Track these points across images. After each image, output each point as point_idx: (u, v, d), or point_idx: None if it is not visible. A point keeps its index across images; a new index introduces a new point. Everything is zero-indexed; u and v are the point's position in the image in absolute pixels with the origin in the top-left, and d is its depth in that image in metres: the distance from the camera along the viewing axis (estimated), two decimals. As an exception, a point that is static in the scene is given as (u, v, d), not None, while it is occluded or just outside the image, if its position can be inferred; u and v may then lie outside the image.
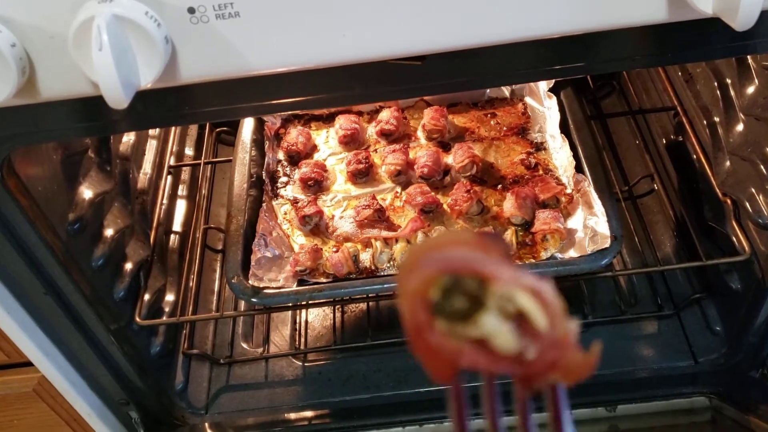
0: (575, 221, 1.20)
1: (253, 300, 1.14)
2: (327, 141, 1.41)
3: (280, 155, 1.39)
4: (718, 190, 1.17)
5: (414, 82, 0.72)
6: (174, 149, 1.47)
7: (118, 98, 0.56)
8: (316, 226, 1.25)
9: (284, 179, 1.35)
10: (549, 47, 0.69)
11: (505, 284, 0.37)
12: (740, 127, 1.11)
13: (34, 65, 0.60)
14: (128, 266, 1.17)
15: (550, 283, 0.38)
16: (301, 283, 1.16)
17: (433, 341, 0.39)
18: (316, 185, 1.31)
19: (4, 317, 0.94)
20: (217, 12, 0.58)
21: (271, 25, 0.59)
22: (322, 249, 1.19)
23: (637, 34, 0.68)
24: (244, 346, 1.33)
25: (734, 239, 1.13)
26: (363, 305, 1.34)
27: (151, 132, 1.40)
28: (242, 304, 1.36)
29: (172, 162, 1.44)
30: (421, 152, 1.32)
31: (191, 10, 0.58)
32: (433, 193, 1.26)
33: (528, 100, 1.43)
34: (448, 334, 0.38)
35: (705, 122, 1.22)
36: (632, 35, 0.69)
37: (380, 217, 1.23)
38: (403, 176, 1.31)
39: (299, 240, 1.24)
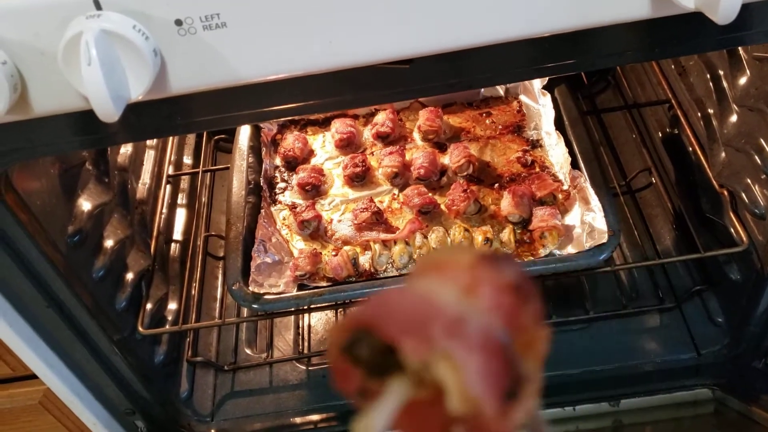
0: (573, 217, 1.20)
1: (254, 306, 1.15)
2: (324, 145, 1.42)
3: (278, 161, 1.39)
4: (714, 182, 1.17)
5: (403, 86, 0.72)
6: (172, 158, 1.48)
7: (108, 112, 0.57)
8: (314, 231, 1.26)
9: (282, 185, 1.36)
10: (537, 46, 0.69)
11: (410, 356, 0.34)
12: (734, 118, 1.12)
13: (25, 82, 0.61)
14: (129, 276, 1.17)
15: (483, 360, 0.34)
16: (301, 287, 1.17)
17: (351, 383, 0.38)
18: (314, 190, 1.32)
19: (7, 331, 0.94)
20: (204, 23, 0.59)
21: (257, 34, 0.60)
22: (321, 253, 1.20)
23: (624, 30, 0.68)
24: (248, 351, 1.33)
25: (732, 230, 1.13)
26: (364, 308, 1.35)
27: (149, 142, 1.41)
28: (245, 310, 1.36)
29: (170, 171, 1.45)
30: (418, 153, 1.33)
31: (179, 22, 0.58)
32: (430, 194, 1.26)
33: (523, 98, 1.43)
34: (367, 381, 0.37)
35: (699, 114, 1.23)
36: (620, 32, 0.69)
37: (378, 220, 1.24)
38: (400, 178, 1.32)
39: (298, 245, 1.25)
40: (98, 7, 0.56)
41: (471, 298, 0.37)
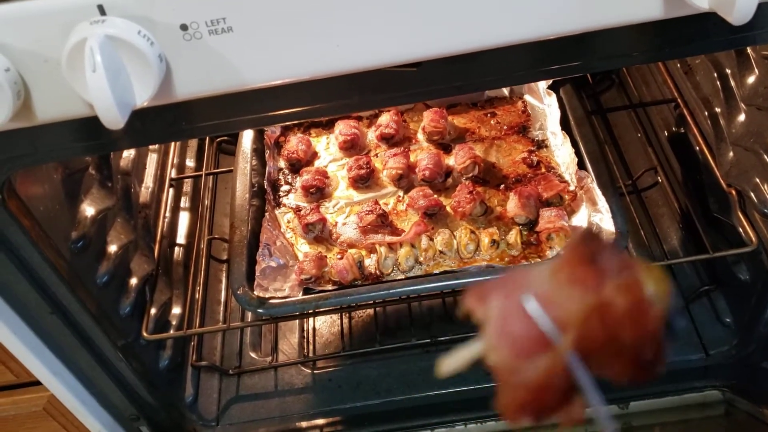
0: (580, 218, 1.19)
1: (260, 311, 1.14)
2: (327, 147, 1.41)
3: (281, 163, 1.38)
4: (722, 181, 1.16)
5: (410, 89, 0.72)
6: (175, 161, 1.47)
7: (113, 119, 0.56)
8: (319, 234, 1.25)
9: (286, 187, 1.35)
10: (545, 48, 0.68)
11: None
12: (742, 117, 1.11)
13: (29, 89, 0.60)
14: (133, 281, 1.16)
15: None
16: (306, 291, 1.16)
17: None
18: (318, 192, 1.31)
19: (11, 338, 0.93)
20: (210, 28, 0.58)
21: (264, 39, 0.59)
22: (326, 256, 1.19)
23: (634, 30, 0.68)
24: (253, 355, 1.33)
25: (741, 230, 1.13)
26: (370, 310, 1.34)
27: (151, 146, 1.40)
28: (249, 314, 1.36)
29: (173, 174, 1.44)
30: (422, 155, 1.32)
31: (184, 27, 0.57)
32: (435, 196, 1.25)
33: (527, 98, 1.42)
34: None
35: (706, 113, 1.22)
36: (629, 32, 0.68)
37: (383, 222, 1.23)
38: (404, 180, 1.31)
39: (303, 248, 1.24)
40: (102, 12, 0.56)
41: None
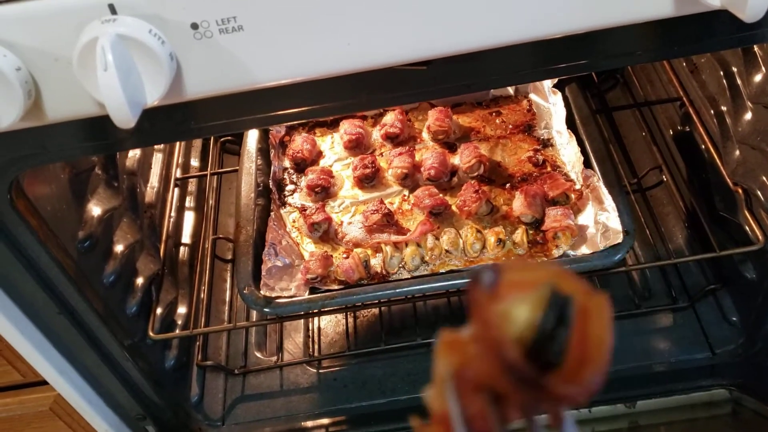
0: (586, 217, 1.19)
1: (266, 310, 1.14)
2: (332, 147, 1.41)
3: (286, 163, 1.38)
4: (728, 180, 1.16)
5: (419, 87, 0.72)
6: (180, 161, 1.47)
7: (125, 118, 0.56)
8: (325, 233, 1.25)
9: (291, 187, 1.35)
10: (553, 46, 0.68)
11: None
12: (748, 115, 1.10)
13: (39, 88, 0.60)
14: (139, 281, 1.16)
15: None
16: (312, 290, 1.16)
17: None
18: (324, 192, 1.31)
19: (18, 338, 0.93)
20: (221, 26, 0.58)
21: (275, 38, 0.59)
22: (332, 256, 1.19)
23: (642, 29, 0.67)
24: (258, 355, 1.33)
25: (747, 229, 1.12)
26: (375, 310, 1.34)
27: (156, 146, 1.40)
28: (254, 314, 1.36)
29: (178, 174, 1.44)
30: (428, 154, 1.32)
31: (194, 26, 0.57)
32: (441, 195, 1.25)
33: (533, 96, 1.42)
34: None
35: (712, 112, 1.21)
36: (637, 30, 0.68)
37: (389, 222, 1.23)
38: (410, 179, 1.31)
39: (309, 248, 1.24)
40: (113, 11, 0.56)
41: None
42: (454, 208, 1.24)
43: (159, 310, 1.19)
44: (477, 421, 0.40)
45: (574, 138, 1.29)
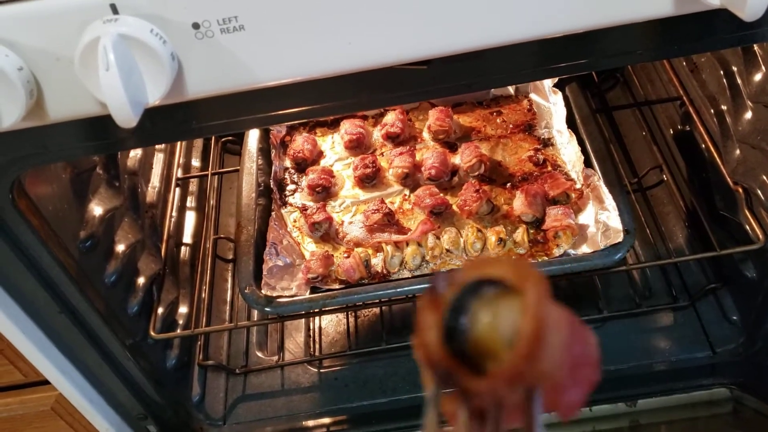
0: (586, 216, 1.19)
1: (267, 309, 1.14)
2: (333, 146, 1.41)
3: (287, 163, 1.39)
4: (728, 179, 1.16)
5: (420, 87, 0.72)
6: (181, 161, 1.47)
7: (126, 117, 0.56)
8: (326, 233, 1.25)
9: (292, 187, 1.35)
10: (554, 45, 0.68)
11: None
12: (749, 115, 1.11)
13: (41, 87, 0.60)
14: (141, 281, 1.17)
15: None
16: (313, 290, 1.16)
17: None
18: (324, 191, 1.31)
19: (19, 337, 0.94)
20: (222, 26, 0.58)
21: (276, 37, 0.59)
22: (333, 255, 1.19)
23: (642, 28, 0.68)
24: (259, 354, 1.33)
25: (747, 228, 1.12)
26: (376, 309, 1.34)
27: (157, 146, 1.40)
28: (255, 313, 1.36)
29: (179, 174, 1.44)
30: (428, 154, 1.32)
31: (196, 26, 0.58)
32: (441, 195, 1.25)
33: (533, 96, 1.42)
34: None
35: (712, 111, 1.22)
36: (637, 29, 0.68)
37: (390, 221, 1.23)
38: (410, 179, 1.31)
39: (310, 247, 1.24)
40: (115, 11, 0.56)
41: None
42: (454, 207, 1.25)
43: (160, 310, 1.20)
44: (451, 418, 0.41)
45: (574, 137, 1.29)
